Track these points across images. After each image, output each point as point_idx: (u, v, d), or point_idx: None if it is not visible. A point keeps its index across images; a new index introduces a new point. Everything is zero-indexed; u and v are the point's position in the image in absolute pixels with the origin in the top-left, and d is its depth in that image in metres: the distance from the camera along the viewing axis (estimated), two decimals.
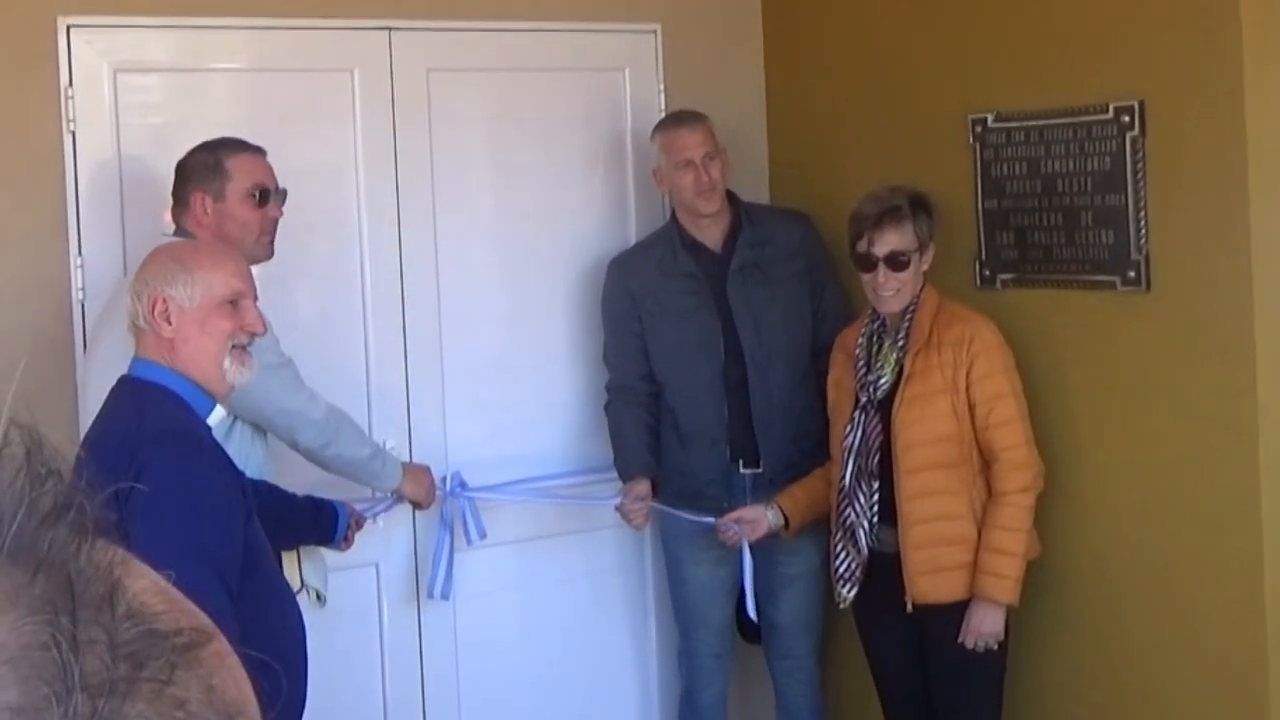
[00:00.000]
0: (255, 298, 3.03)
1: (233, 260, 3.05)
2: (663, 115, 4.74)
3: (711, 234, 4.51)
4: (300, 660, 3.02)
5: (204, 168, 3.72)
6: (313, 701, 4.00)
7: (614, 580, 4.90)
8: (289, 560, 3.71)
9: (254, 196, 3.75)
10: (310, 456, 3.90)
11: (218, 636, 0.74)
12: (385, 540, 4.41)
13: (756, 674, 4.89)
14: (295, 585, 3.69)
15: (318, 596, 3.84)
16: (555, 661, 4.78)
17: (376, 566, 4.48)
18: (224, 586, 2.73)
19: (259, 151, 3.80)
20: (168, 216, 3.81)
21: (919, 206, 4.05)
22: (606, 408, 4.66)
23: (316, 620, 3.91)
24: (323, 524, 3.73)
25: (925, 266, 4.04)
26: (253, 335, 2.98)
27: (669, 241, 4.53)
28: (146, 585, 0.73)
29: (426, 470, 4.26)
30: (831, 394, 4.25)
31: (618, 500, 4.51)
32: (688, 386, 4.51)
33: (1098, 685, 4.08)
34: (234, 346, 2.94)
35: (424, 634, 4.57)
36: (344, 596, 4.29)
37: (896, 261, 3.99)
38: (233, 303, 2.94)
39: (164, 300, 2.89)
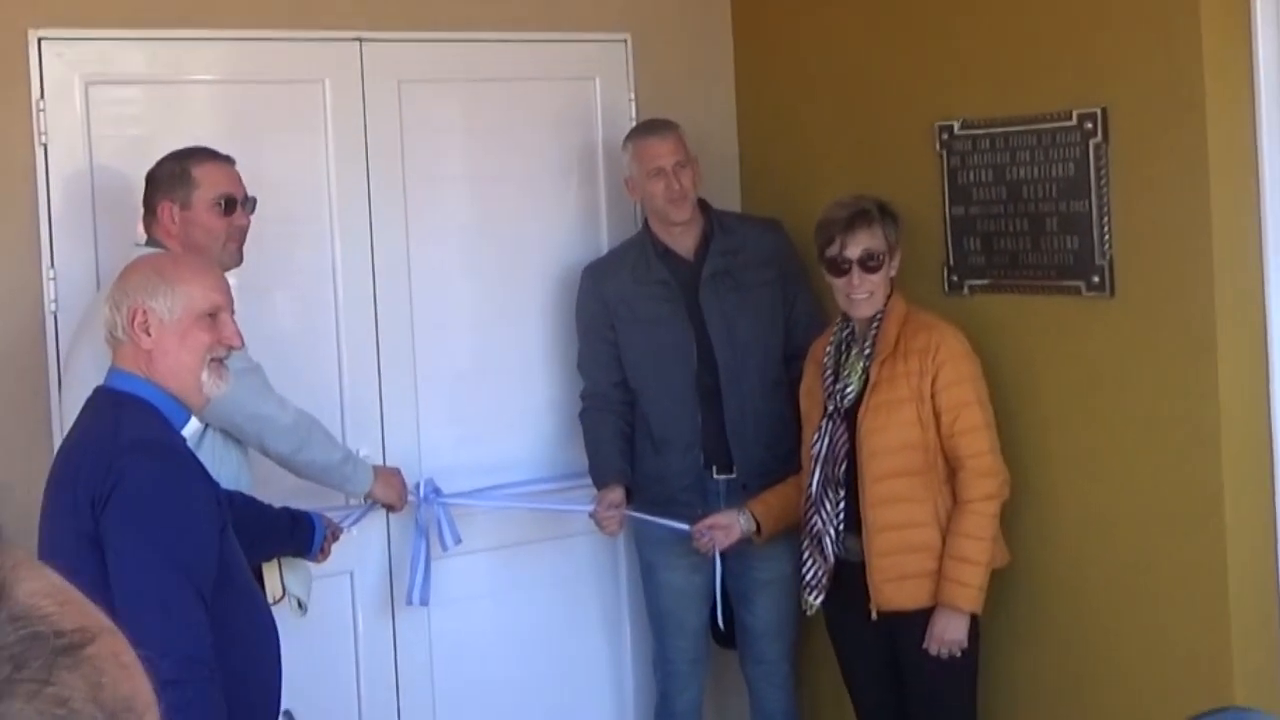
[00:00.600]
0: (233, 311, 3.04)
1: (212, 274, 3.06)
2: (634, 124, 4.77)
3: (684, 242, 4.54)
4: (273, 670, 3.03)
5: (171, 177, 3.74)
6: (290, 707, 4.04)
7: (589, 586, 4.92)
8: (270, 569, 3.73)
9: (220, 205, 3.76)
10: (281, 462, 3.91)
11: (108, 635, 0.77)
12: (359, 548, 4.43)
13: (731, 679, 4.91)
14: (277, 594, 3.72)
15: (299, 605, 3.86)
16: (530, 668, 4.80)
17: (351, 574, 4.49)
18: (198, 596, 2.75)
19: (227, 160, 3.82)
20: (140, 227, 3.83)
21: (885, 212, 4.08)
22: (581, 415, 4.68)
23: (291, 628, 3.93)
24: (299, 535, 3.74)
25: (893, 273, 4.07)
26: (230, 349, 2.99)
27: (642, 249, 4.55)
28: (38, 587, 0.76)
29: (397, 473, 4.28)
30: (803, 403, 4.28)
31: (591, 508, 4.53)
32: (661, 393, 4.54)
33: (1069, 689, 4.11)
34: (211, 359, 2.95)
35: (399, 641, 4.59)
36: (319, 604, 4.28)
37: (868, 264, 4.01)
38: (211, 316, 2.95)
39: (144, 312, 2.89)
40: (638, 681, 4.96)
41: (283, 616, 3.77)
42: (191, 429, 3.02)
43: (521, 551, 4.77)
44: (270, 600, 3.57)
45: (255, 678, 2.95)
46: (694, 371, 4.49)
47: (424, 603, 4.45)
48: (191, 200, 3.73)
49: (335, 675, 4.48)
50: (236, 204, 3.80)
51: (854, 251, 4.02)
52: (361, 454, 4.32)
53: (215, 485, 2.97)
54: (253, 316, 4.26)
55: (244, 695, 2.88)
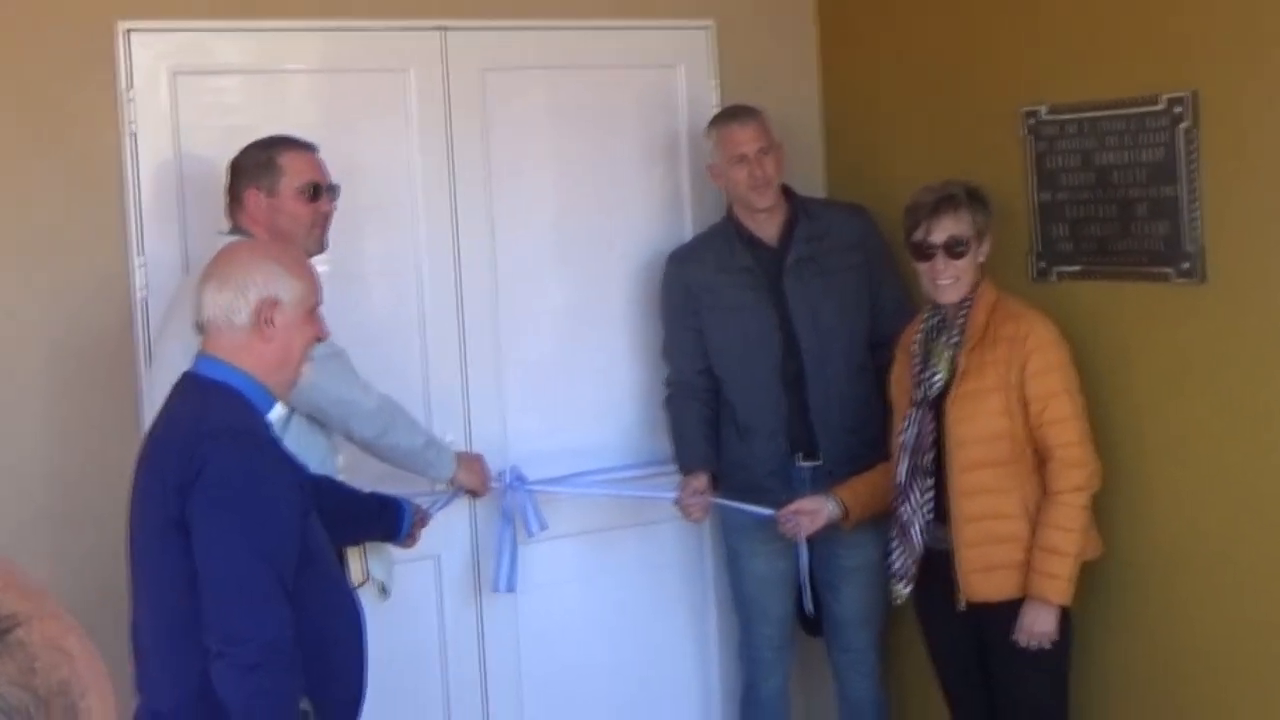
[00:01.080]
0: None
1: (313, 269, 3.11)
2: (717, 111, 4.75)
3: (768, 228, 4.52)
4: (358, 654, 3.06)
5: (257, 165, 3.78)
6: (374, 694, 4.07)
7: (674, 573, 4.92)
8: (354, 553, 3.76)
9: (306, 192, 3.80)
10: (365, 446, 3.94)
11: (48, 620, 0.77)
12: (445, 533, 4.45)
13: (818, 667, 4.89)
14: (360, 578, 3.76)
15: (382, 589, 3.89)
16: (615, 654, 4.81)
17: (437, 559, 4.52)
18: (280, 582, 2.78)
19: (311, 148, 3.86)
20: (225, 215, 3.87)
21: (974, 197, 4.04)
22: (666, 402, 4.68)
23: (377, 613, 3.97)
24: (387, 520, 3.76)
25: (981, 259, 4.03)
26: (319, 341, 3.05)
27: (726, 236, 4.54)
28: None
29: (480, 459, 4.29)
30: (892, 391, 4.24)
31: (676, 494, 4.53)
32: (746, 380, 4.53)
33: (1160, 680, 4.04)
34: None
35: (484, 626, 4.61)
36: (404, 589, 4.34)
37: (954, 249, 3.97)
38: (314, 309, 3.01)
39: (272, 303, 2.92)
40: (723, 668, 4.96)
41: (367, 601, 3.82)
42: (277, 414, 3.05)
43: (607, 537, 4.78)
44: (353, 584, 3.61)
45: (338, 660, 2.98)
46: (778, 358, 4.47)
47: (510, 589, 4.46)
48: (278, 188, 3.77)
49: (421, 660, 4.52)
50: (321, 191, 3.84)
51: (939, 236, 3.98)
52: (447, 440, 4.35)
53: (299, 470, 3.00)
54: (338, 303, 4.29)
55: (327, 677, 2.91)
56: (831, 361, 4.47)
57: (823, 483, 4.42)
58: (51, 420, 4.07)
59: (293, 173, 3.79)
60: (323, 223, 3.85)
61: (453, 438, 4.44)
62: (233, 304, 2.90)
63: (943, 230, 3.98)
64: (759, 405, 4.51)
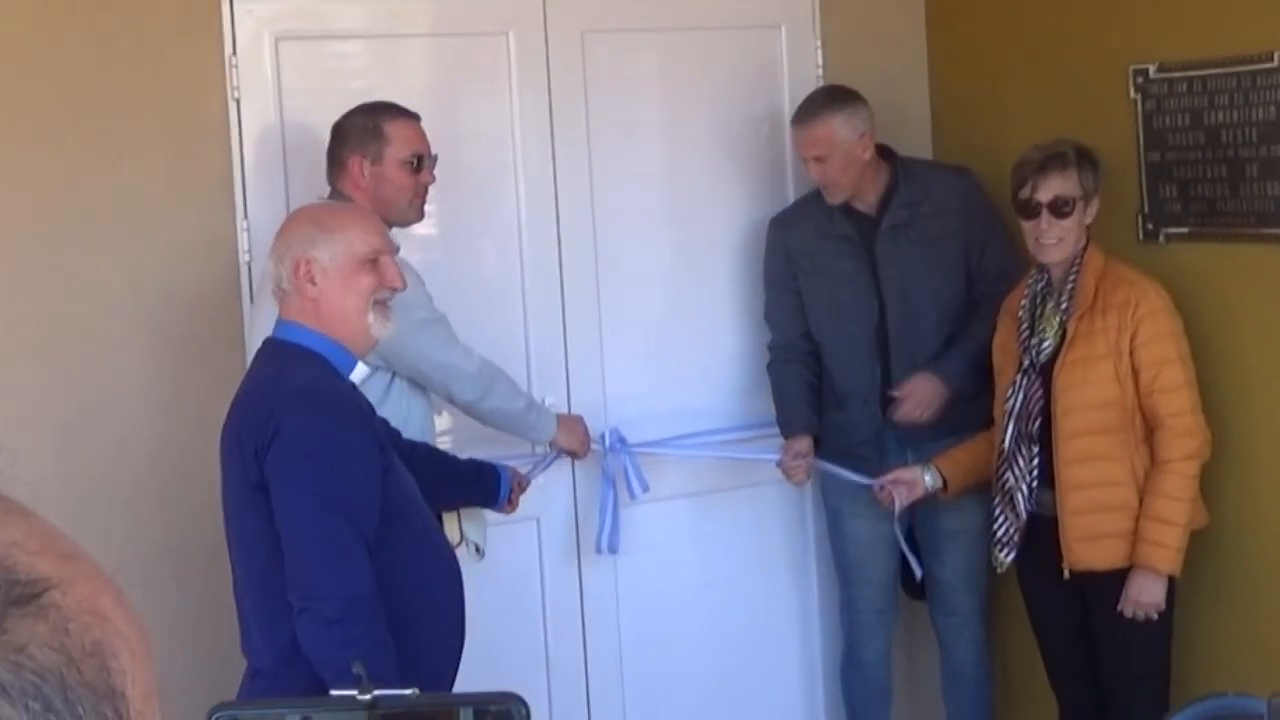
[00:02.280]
0: (394, 253, 3.10)
1: (369, 219, 3.13)
2: (819, 72, 4.74)
3: (867, 195, 4.46)
4: (453, 610, 3.08)
5: (363, 131, 3.80)
6: (476, 655, 4.10)
7: (776, 535, 4.91)
8: (448, 516, 3.77)
9: (411, 163, 3.82)
10: (466, 409, 3.97)
11: (82, 583, 0.78)
12: (546, 495, 4.48)
13: (922, 631, 4.87)
14: (455, 539, 3.77)
15: (477, 550, 3.92)
16: (717, 616, 4.81)
17: (537, 521, 4.54)
18: (359, 537, 2.82)
19: (415, 117, 3.87)
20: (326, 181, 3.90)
21: (1084, 157, 3.98)
22: (769, 367, 4.67)
23: (478, 575, 4.00)
24: (485, 486, 3.78)
25: (1089, 220, 3.96)
26: (393, 290, 3.05)
27: (827, 203, 4.49)
28: (12, 536, 0.78)
29: (580, 420, 4.30)
30: (996, 358, 4.20)
31: (779, 457, 4.52)
32: (842, 347, 4.51)
33: (1266, 654, 3.98)
34: (376, 302, 3.01)
35: (584, 588, 4.63)
36: (505, 551, 4.37)
37: (1060, 209, 3.92)
38: (373, 260, 3.01)
39: (307, 262, 2.97)
40: (825, 631, 4.94)
41: (465, 562, 3.85)
42: (370, 377, 3.08)
43: (708, 500, 4.78)
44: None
45: (434, 616, 3.01)
46: (873, 326, 4.45)
47: (613, 550, 4.49)
48: (384, 156, 3.79)
49: (522, 622, 4.54)
50: (424, 161, 3.85)
51: (1045, 195, 3.93)
52: (547, 402, 4.36)
53: (378, 428, 3.03)
54: (441, 266, 4.35)
55: (422, 634, 2.95)
56: (918, 329, 4.43)
57: (917, 450, 4.39)
58: (159, 382, 4.13)
59: (399, 142, 3.81)
60: (423, 193, 3.87)
61: (553, 400, 4.45)
62: (276, 272, 3.01)
63: (1049, 189, 3.93)
64: (853, 372, 4.50)
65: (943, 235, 4.43)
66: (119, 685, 0.77)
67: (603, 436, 4.43)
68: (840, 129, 4.33)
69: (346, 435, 2.89)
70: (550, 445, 4.23)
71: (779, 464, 4.52)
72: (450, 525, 3.75)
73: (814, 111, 4.37)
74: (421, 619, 2.97)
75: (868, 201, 4.46)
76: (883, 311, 4.44)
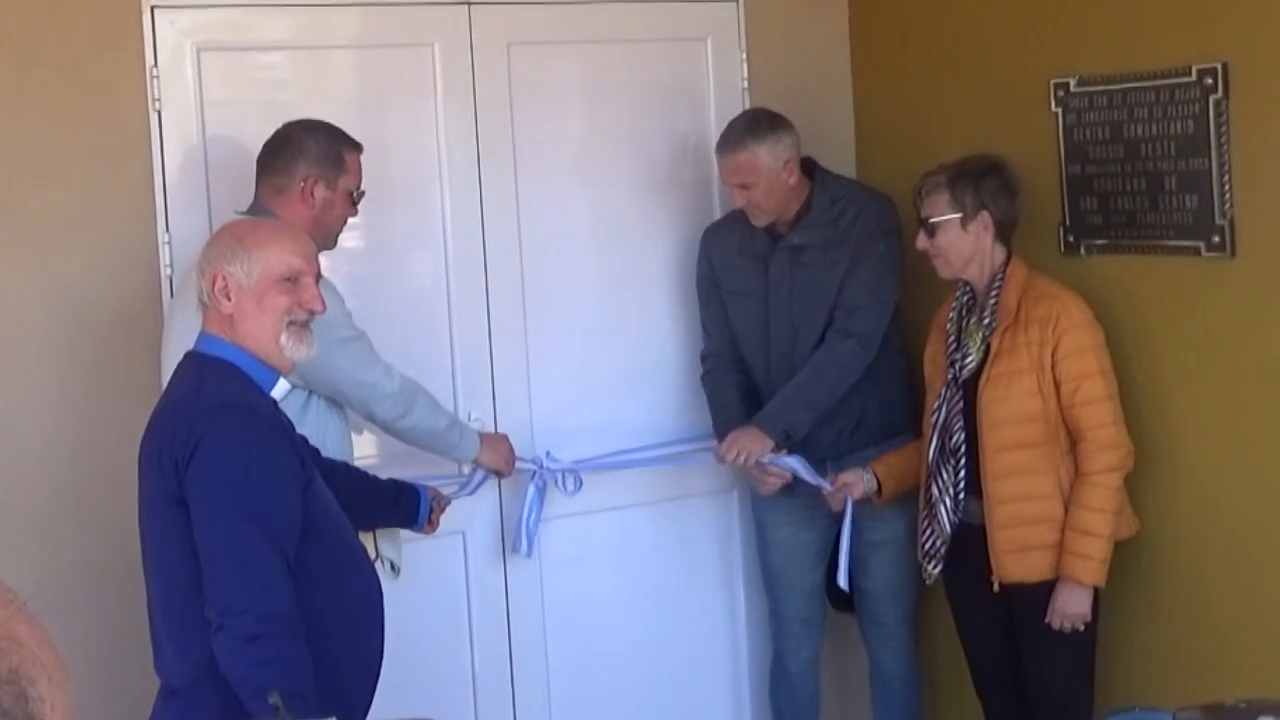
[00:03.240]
0: (317, 276, 3.06)
1: (293, 238, 3.08)
2: (745, 85, 4.76)
3: (787, 216, 4.45)
4: (373, 627, 3.07)
5: (327, 156, 3.78)
6: (401, 668, 4.08)
7: (703, 547, 4.91)
8: (364, 534, 3.70)
9: (355, 196, 3.85)
10: (386, 428, 3.95)
11: None
12: (471, 508, 4.46)
13: (850, 641, 4.88)
14: (371, 557, 3.73)
15: (392, 567, 3.89)
16: (643, 628, 4.81)
17: (463, 535, 4.52)
18: (279, 553, 2.80)
19: (362, 150, 3.89)
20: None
21: (965, 175, 3.98)
22: (703, 379, 4.67)
23: (403, 588, 3.98)
24: (404, 507, 3.76)
25: (977, 237, 3.95)
26: (311, 312, 3.01)
27: (749, 219, 4.48)
28: None
29: (504, 439, 4.29)
30: (927, 369, 4.23)
31: (714, 446, 4.48)
32: (755, 363, 4.55)
33: (1189, 663, 4.01)
34: (290, 323, 2.97)
35: (510, 602, 4.61)
36: (431, 564, 4.35)
37: (930, 228, 4.00)
38: (291, 280, 2.98)
39: (223, 277, 2.95)
40: (752, 643, 4.95)
41: (393, 580, 3.83)
42: (284, 392, 3.04)
43: (636, 512, 4.78)
44: None
45: (354, 634, 2.99)
46: (765, 344, 4.49)
47: (528, 554, 4.46)
48: (338, 184, 3.79)
49: (448, 635, 4.52)
50: (360, 196, 3.89)
51: (924, 214, 4.02)
52: (472, 418, 4.35)
53: (299, 443, 3.01)
54: (365, 278, 4.32)
55: (342, 652, 2.93)
56: (798, 353, 4.44)
57: (836, 464, 4.44)
58: (78, 396, 4.08)
59: (353, 174, 3.84)
60: (344, 226, 3.91)
61: (479, 414, 4.44)
62: (199, 284, 3.00)
63: (925, 208, 4.02)
64: (766, 388, 4.53)
65: (834, 262, 4.40)
66: (37, 713, 0.76)
67: (535, 459, 4.42)
68: (764, 157, 4.31)
69: (267, 450, 2.87)
70: (474, 464, 4.21)
71: (720, 457, 4.47)
72: (366, 542, 3.69)
73: (737, 140, 4.34)
74: (341, 636, 2.95)
75: (787, 221, 4.45)
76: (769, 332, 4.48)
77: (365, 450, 4.18)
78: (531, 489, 4.43)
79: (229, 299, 2.95)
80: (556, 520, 4.58)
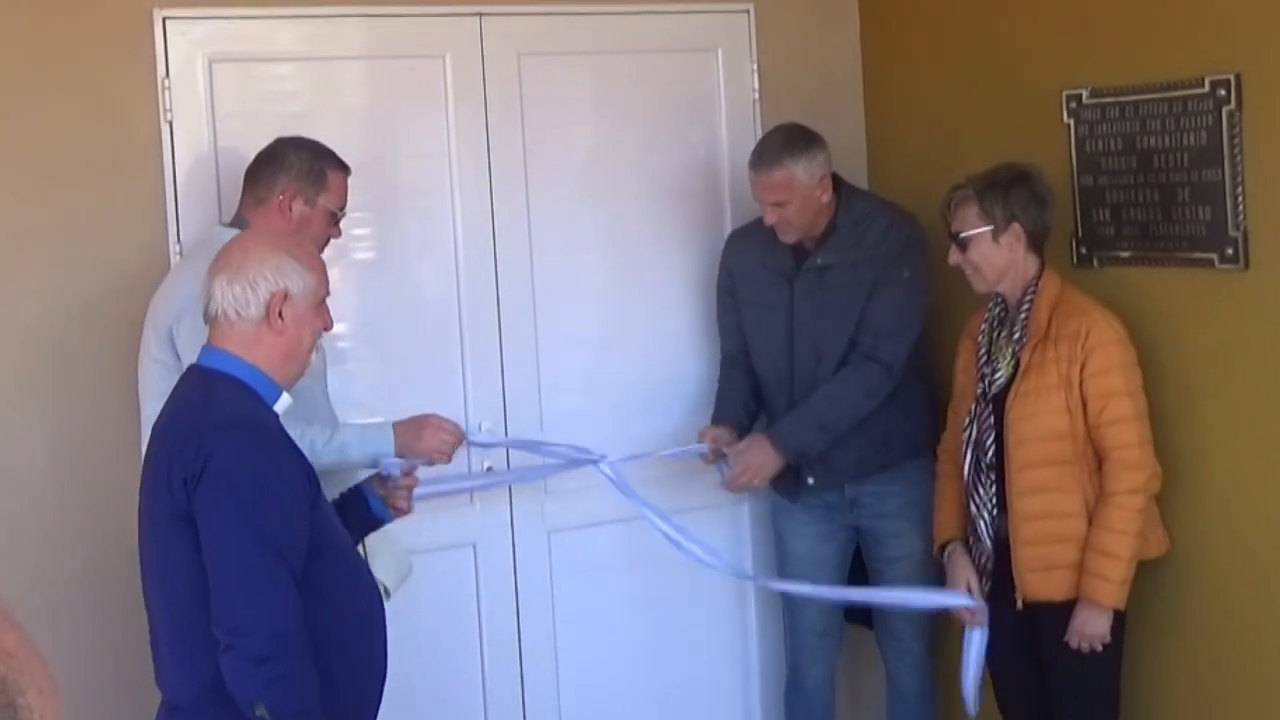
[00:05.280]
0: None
1: (319, 257, 3.09)
2: (756, 96, 4.74)
3: (814, 232, 4.42)
4: (377, 646, 3.03)
5: (307, 171, 3.77)
6: (412, 679, 4.08)
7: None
8: None
9: (335, 215, 3.82)
10: (310, 453, 3.66)
11: None
12: (482, 520, 4.46)
13: (866, 654, 4.87)
14: None
15: (385, 591, 3.81)
16: (654, 640, 4.80)
17: (474, 546, 4.52)
18: (288, 572, 2.77)
19: (349, 171, 3.87)
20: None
21: (991, 186, 3.94)
22: (721, 373, 4.68)
23: (415, 599, 3.98)
24: (357, 514, 3.45)
25: (1010, 249, 3.91)
26: (327, 330, 3.04)
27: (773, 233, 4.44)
28: None
29: (426, 419, 3.81)
30: (959, 380, 4.20)
31: (703, 447, 4.44)
32: (765, 375, 4.54)
33: (1215, 682, 3.98)
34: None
35: (521, 612, 4.61)
36: (442, 575, 4.35)
37: (961, 241, 3.96)
38: (323, 301, 3.00)
39: (285, 296, 2.90)
40: (763, 654, 4.94)
41: (407, 591, 3.81)
42: (287, 406, 3.01)
43: (644, 524, 4.75)
44: None
45: (358, 652, 2.96)
46: (786, 361, 4.47)
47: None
48: (317, 201, 3.78)
49: (458, 646, 4.52)
50: (341, 216, 3.86)
51: (954, 228, 3.98)
52: (484, 428, 4.37)
53: (306, 461, 2.96)
54: (377, 286, 4.33)
55: (348, 665, 2.90)
56: (819, 374, 4.41)
57: (838, 489, 4.48)
58: (90, 407, 4.08)
59: (334, 192, 3.81)
60: (326, 244, 3.86)
61: (489, 425, 4.45)
62: (244, 297, 2.89)
63: (954, 222, 3.98)
64: (773, 402, 4.53)
65: (859, 283, 4.37)
66: None
67: (478, 425, 4.38)
68: (801, 175, 4.27)
69: (277, 468, 2.82)
70: (400, 458, 3.70)
71: (703, 456, 4.46)
72: None
73: (774, 157, 4.28)
74: (347, 652, 2.92)
75: (813, 237, 4.42)
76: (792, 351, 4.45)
77: None
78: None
79: (283, 319, 2.90)
80: (565, 532, 4.58)
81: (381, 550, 3.76)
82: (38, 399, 4.05)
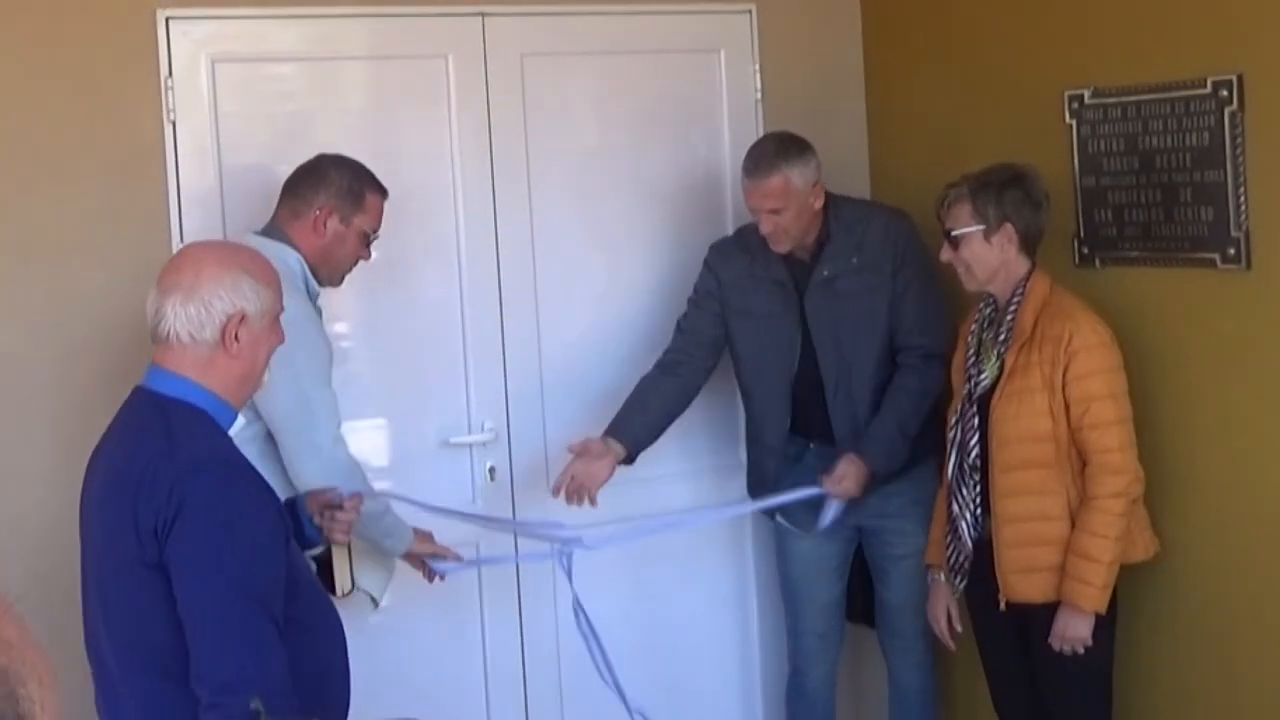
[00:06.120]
0: None
1: (273, 268, 2.90)
2: (759, 97, 4.75)
3: (805, 241, 4.39)
4: (341, 669, 2.91)
5: (346, 190, 3.79)
6: (415, 678, 4.08)
7: (714, 560, 4.91)
8: (340, 561, 3.57)
9: (368, 237, 3.85)
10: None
11: None
12: (484, 530, 4.46)
13: (867, 656, 4.87)
14: (346, 588, 3.60)
15: (372, 600, 3.81)
16: (655, 642, 4.80)
17: (477, 546, 4.50)
18: (271, 620, 2.60)
19: (386, 195, 3.88)
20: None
21: (985, 186, 3.94)
22: (654, 368, 4.54)
23: (418, 599, 3.97)
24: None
25: (1001, 249, 3.91)
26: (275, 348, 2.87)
27: (764, 242, 4.39)
28: None
29: (429, 535, 3.93)
30: (954, 379, 4.20)
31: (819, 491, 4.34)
32: (758, 388, 4.52)
33: (1209, 682, 3.99)
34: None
35: (524, 615, 4.61)
36: (445, 585, 4.33)
37: (953, 239, 3.96)
38: (277, 317, 2.84)
39: (242, 319, 2.73)
40: (765, 657, 4.94)
41: (356, 614, 3.76)
42: (239, 428, 2.90)
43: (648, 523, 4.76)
44: (339, 594, 3.46)
45: (327, 683, 2.85)
46: (791, 374, 4.43)
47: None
48: (353, 221, 3.80)
49: (461, 646, 4.52)
50: (374, 238, 3.89)
51: (947, 226, 3.98)
52: (487, 427, 4.36)
53: (275, 495, 2.79)
54: (380, 287, 4.33)
55: (320, 698, 2.77)
56: (854, 381, 4.40)
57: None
58: (88, 406, 4.07)
59: (371, 214, 3.84)
60: (354, 266, 3.89)
61: (492, 425, 4.46)
62: (198, 318, 2.70)
63: (948, 220, 3.97)
64: (766, 413, 4.51)
65: (872, 288, 4.37)
66: (28, 713, 0.76)
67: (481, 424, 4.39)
68: (795, 180, 4.24)
69: (254, 512, 2.64)
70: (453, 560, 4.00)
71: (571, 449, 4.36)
72: (342, 572, 3.54)
73: (770, 164, 4.25)
74: (319, 686, 2.77)
75: (805, 246, 4.40)
76: (814, 363, 4.41)
77: None
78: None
79: (238, 341, 2.72)
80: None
81: (367, 559, 3.73)
82: (40, 398, 4.05)
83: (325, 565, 3.45)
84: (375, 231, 3.87)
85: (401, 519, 3.87)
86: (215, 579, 2.57)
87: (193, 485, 2.58)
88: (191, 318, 2.70)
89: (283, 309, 2.85)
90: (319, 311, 3.78)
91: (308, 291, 3.76)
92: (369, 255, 3.89)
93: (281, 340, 2.85)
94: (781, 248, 4.34)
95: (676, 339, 4.58)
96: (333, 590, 3.45)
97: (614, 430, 4.39)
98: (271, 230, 3.78)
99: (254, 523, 2.63)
